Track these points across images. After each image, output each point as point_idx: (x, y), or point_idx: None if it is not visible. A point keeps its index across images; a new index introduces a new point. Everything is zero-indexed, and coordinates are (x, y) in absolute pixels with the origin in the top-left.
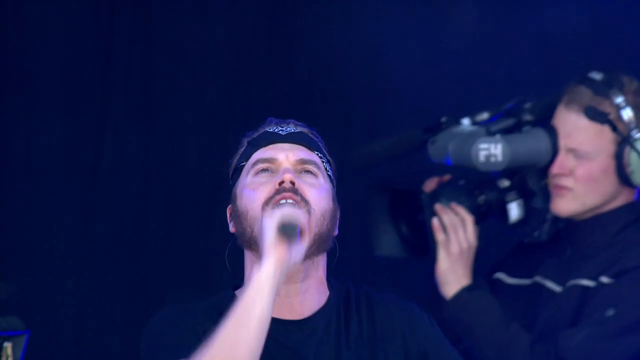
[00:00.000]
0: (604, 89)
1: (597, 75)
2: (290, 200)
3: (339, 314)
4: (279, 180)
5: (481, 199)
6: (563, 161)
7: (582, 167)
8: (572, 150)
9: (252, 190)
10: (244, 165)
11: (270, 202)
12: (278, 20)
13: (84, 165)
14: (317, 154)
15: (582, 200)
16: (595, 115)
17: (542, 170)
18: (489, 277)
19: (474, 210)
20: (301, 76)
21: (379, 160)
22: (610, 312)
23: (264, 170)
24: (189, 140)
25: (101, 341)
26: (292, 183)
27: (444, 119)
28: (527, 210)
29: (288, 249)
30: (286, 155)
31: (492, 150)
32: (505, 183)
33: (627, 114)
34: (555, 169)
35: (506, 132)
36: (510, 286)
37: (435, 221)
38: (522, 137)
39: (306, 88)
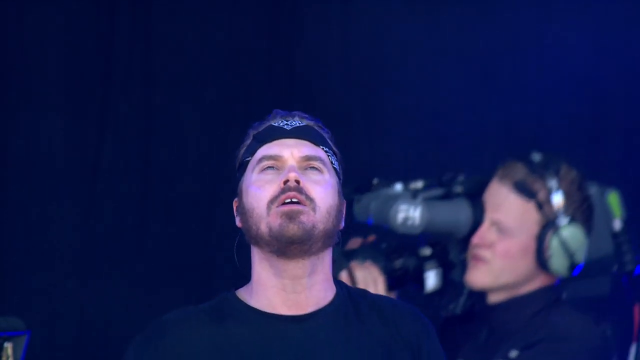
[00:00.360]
0: (540, 170)
1: (537, 156)
2: (294, 200)
3: (348, 311)
4: (283, 179)
5: (398, 262)
6: (485, 233)
7: (502, 242)
8: (496, 223)
9: (258, 188)
10: (249, 160)
11: (276, 200)
12: (278, 20)
13: (84, 165)
14: (323, 148)
15: (496, 275)
16: (523, 190)
17: (465, 242)
18: None
19: (389, 273)
20: (301, 76)
21: None
22: None
23: (269, 167)
24: (189, 140)
25: (102, 341)
26: (297, 182)
27: (375, 181)
28: (446, 281)
29: None
30: (291, 152)
31: (410, 213)
32: (426, 251)
33: (557, 199)
34: (475, 238)
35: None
36: None
37: (343, 274)
38: (444, 204)
39: (306, 88)
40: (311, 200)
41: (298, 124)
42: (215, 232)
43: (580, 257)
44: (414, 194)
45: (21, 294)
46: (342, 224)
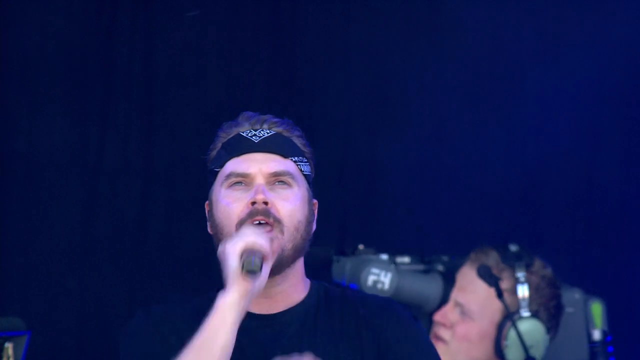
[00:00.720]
0: (511, 260)
1: (513, 247)
2: (262, 222)
3: (318, 311)
4: (251, 200)
5: None
6: (447, 312)
7: (463, 324)
8: (459, 305)
9: (227, 205)
10: (218, 171)
11: (244, 223)
12: (279, 21)
13: (85, 165)
14: (292, 159)
15: (452, 358)
16: (485, 275)
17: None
18: None
19: None
20: (302, 77)
21: None
22: None
23: (237, 183)
24: (190, 141)
25: (102, 342)
26: (265, 203)
27: (361, 247)
28: None
29: (251, 281)
30: (259, 169)
31: (381, 277)
32: None
33: (523, 290)
34: (437, 316)
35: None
36: None
37: None
38: (416, 276)
39: (307, 88)
40: (279, 221)
41: (266, 134)
42: None
43: (537, 352)
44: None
45: (22, 294)
46: (314, 226)
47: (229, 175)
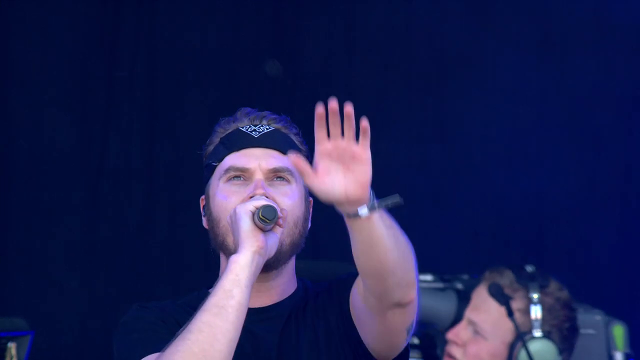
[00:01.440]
0: (525, 280)
1: (529, 267)
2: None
3: (306, 304)
4: (250, 194)
5: None
6: (460, 330)
7: (475, 343)
8: (472, 323)
9: (224, 198)
10: (216, 165)
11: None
12: (282, 22)
13: (88, 167)
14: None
15: None
16: (497, 293)
17: None
18: None
19: None
20: (305, 77)
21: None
22: None
23: (236, 177)
24: (192, 142)
25: (104, 342)
26: (265, 197)
27: None
28: None
29: (264, 238)
30: (259, 164)
31: None
32: (414, 341)
33: (536, 311)
34: (450, 334)
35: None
36: None
37: None
38: (431, 293)
39: (310, 89)
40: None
41: (266, 130)
42: None
43: None
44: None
45: (25, 294)
46: (309, 224)
47: (227, 170)
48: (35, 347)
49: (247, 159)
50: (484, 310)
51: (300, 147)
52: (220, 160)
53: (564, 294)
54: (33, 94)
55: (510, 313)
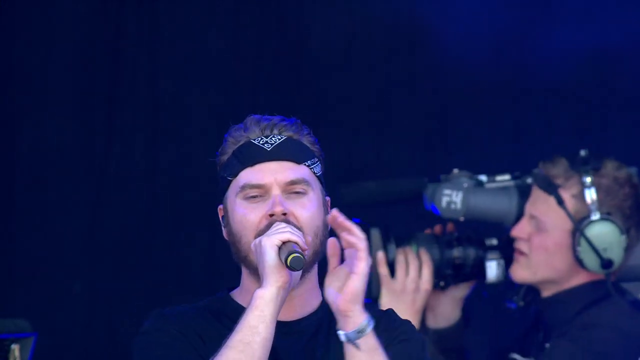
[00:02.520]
0: (578, 165)
1: (583, 152)
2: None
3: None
4: (269, 212)
5: (457, 251)
6: (524, 226)
7: (538, 236)
8: (533, 218)
9: (244, 215)
10: (231, 180)
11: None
12: (285, 24)
13: (91, 169)
14: (305, 164)
15: (534, 270)
16: (544, 185)
17: None
18: (504, 356)
19: (446, 261)
20: (308, 79)
21: (375, 200)
22: None
23: (252, 195)
24: (195, 144)
25: (108, 344)
26: (284, 214)
27: (455, 171)
28: (508, 273)
29: (290, 275)
30: (274, 178)
31: (453, 198)
32: (492, 242)
33: (591, 195)
34: (514, 231)
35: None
36: None
37: (379, 255)
38: (490, 192)
39: (312, 91)
40: (299, 229)
41: (278, 140)
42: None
43: (614, 254)
44: (480, 183)
45: (28, 296)
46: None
47: (243, 187)
48: (38, 350)
49: (262, 174)
50: (540, 202)
51: (313, 148)
52: (235, 175)
53: (623, 172)
54: (35, 96)
55: (560, 201)
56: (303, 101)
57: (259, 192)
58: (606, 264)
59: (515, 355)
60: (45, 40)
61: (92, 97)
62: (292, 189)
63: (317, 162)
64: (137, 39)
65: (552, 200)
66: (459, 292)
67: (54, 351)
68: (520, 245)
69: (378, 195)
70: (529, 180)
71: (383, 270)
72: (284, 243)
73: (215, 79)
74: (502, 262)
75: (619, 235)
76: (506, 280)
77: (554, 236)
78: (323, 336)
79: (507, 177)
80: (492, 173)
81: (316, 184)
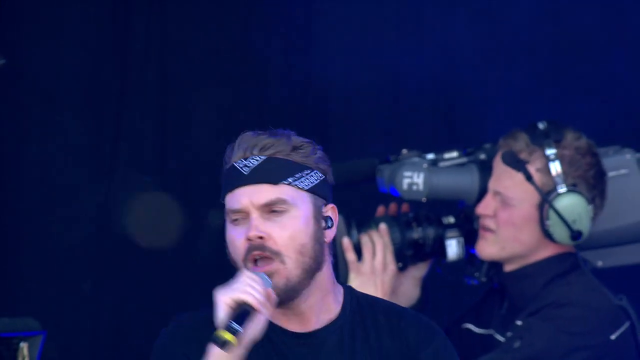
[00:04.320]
0: (540, 139)
1: (541, 125)
2: (260, 257)
3: (354, 326)
4: (246, 237)
5: (418, 231)
6: (488, 202)
7: (504, 211)
8: (498, 194)
9: (232, 241)
10: (224, 203)
11: (247, 261)
12: (293, 24)
13: (100, 167)
14: (285, 182)
15: (502, 245)
16: (511, 161)
17: None
18: (458, 327)
19: (407, 243)
20: (316, 79)
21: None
22: (517, 344)
23: (235, 219)
24: (204, 141)
25: (117, 343)
26: (261, 238)
27: (404, 151)
28: (468, 250)
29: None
30: (250, 202)
31: (414, 179)
32: (449, 219)
33: (556, 167)
34: (479, 209)
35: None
36: (479, 336)
37: (345, 241)
38: (451, 170)
39: (321, 91)
40: (277, 253)
41: (256, 162)
42: None
43: (582, 225)
44: (433, 162)
45: (37, 294)
46: (332, 234)
47: (227, 213)
48: (47, 347)
49: (238, 198)
50: (504, 177)
51: (306, 161)
52: (224, 199)
53: (583, 142)
54: (44, 92)
55: (528, 177)
56: (313, 101)
57: (241, 216)
58: (576, 235)
59: (469, 325)
60: (53, 39)
61: (101, 96)
62: (269, 209)
63: (308, 172)
64: (146, 36)
65: (519, 175)
66: (419, 271)
67: (62, 350)
68: (487, 222)
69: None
70: (482, 155)
71: (350, 255)
72: (233, 308)
73: (224, 78)
74: (461, 239)
75: (585, 206)
76: (466, 258)
77: (521, 211)
78: (347, 345)
79: (455, 154)
80: (437, 152)
81: (302, 200)
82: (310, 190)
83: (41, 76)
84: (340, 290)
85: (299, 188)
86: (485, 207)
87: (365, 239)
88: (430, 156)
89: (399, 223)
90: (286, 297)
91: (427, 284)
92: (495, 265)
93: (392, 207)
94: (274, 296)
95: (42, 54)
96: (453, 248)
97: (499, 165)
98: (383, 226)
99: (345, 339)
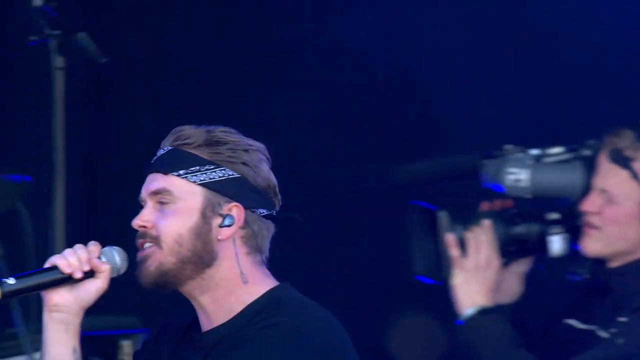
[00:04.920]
0: None
1: None
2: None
3: (230, 335)
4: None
5: (521, 227)
6: (593, 199)
7: (610, 208)
8: (603, 191)
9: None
10: None
11: (138, 245)
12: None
13: None
14: (175, 173)
15: (607, 242)
16: (617, 159)
17: None
18: (560, 322)
19: (510, 239)
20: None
21: (429, 179)
22: (621, 341)
23: (142, 207)
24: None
25: None
26: (143, 226)
27: (508, 147)
28: (572, 246)
29: (59, 296)
30: (146, 190)
31: (519, 175)
32: (553, 216)
33: None
34: (584, 205)
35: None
36: (581, 331)
37: (449, 237)
38: (556, 167)
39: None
40: (156, 238)
41: (162, 152)
42: None
43: None
44: (537, 158)
45: (138, 293)
46: (213, 236)
47: None
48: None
49: (143, 186)
50: (609, 175)
51: (213, 157)
52: None
53: None
54: (117, 95)
55: (634, 175)
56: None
57: (143, 203)
58: None
59: (571, 321)
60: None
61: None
62: (157, 199)
63: (211, 169)
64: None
65: (624, 173)
66: (521, 267)
67: None
68: (592, 219)
69: (430, 174)
70: (586, 152)
71: (454, 251)
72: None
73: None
74: (566, 236)
75: None
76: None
77: (626, 208)
78: (227, 344)
79: (559, 149)
80: (541, 147)
81: (191, 194)
82: (204, 185)
83: (110, 78)
84: (256, 291)
85: (190, 181)
86: (591, 204)
87: (469, 235)
88: (535, 152)
89: (502, 218)
90: (160, 281)
91: (529, 280)
92: (599, 262)
93: (497, 203)
94: (105, 267)
95: (111, 54)
96: (557, 244)
97: (604, 163)
98: (487, 222)
99: (226, 338)
